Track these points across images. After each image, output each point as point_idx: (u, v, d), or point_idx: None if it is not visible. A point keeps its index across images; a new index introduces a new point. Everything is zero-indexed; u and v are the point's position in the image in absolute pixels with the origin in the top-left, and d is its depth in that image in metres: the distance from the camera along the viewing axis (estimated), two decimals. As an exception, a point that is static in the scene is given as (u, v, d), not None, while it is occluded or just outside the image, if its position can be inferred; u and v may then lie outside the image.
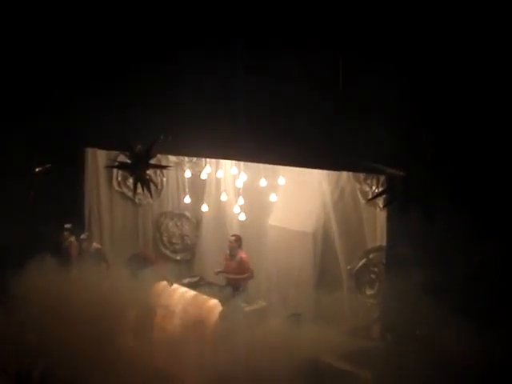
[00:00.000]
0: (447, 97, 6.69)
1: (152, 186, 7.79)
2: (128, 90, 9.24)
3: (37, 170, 9.82)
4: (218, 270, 9.95)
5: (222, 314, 8.98)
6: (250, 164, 10.29)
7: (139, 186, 7.59)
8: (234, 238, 9.86)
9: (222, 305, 9.11)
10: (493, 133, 6.42)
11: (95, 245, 10.55)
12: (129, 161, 7.65)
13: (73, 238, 10.52)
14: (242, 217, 10.47)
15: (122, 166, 8.15)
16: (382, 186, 8.12)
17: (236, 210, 10.53)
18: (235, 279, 9.71)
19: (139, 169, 7.48)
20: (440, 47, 6.75)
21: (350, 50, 7.44)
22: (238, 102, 8.51)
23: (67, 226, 10.51)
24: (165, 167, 9.39)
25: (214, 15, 8.53)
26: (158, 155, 8.96)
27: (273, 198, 10.27)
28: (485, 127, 6.46)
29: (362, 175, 9.26)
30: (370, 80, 7.19)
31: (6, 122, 9.95)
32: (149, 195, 8.21)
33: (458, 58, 6.63)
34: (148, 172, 7.92)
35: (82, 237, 10.52)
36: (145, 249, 11.44)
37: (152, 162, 7.67)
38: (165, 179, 11.60)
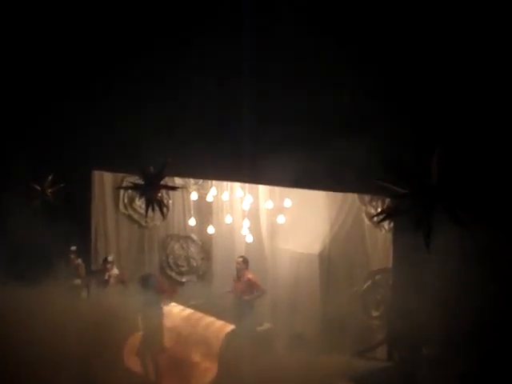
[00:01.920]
0: (455, 114, 6.77)
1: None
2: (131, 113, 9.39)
3: (49, 190, 9.88)
4: (229, 290, 10.01)
5: (232, 335, 8.96)
6: (255, 186, 10.41)
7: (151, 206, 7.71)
8: (241, 259, 9.91)
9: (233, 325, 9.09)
10: (503, 152, 6.49)
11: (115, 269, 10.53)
12: (140, 182, 7.79)
13: (79, 260, 10.59)
14: (249, 239, 10.55)
15: (134, 187, 8.25)
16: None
17: (243, 232, 10.62)
18: (248, 299, 9.67)
19: (151, 189, 7.61)
20: (450, 59, 6.81)
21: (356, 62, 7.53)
22: (242, 123, 8.64)
23: (73, 248, 10.57)
24: (175, 188, 9.49)
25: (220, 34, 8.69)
26: (166, 178, 9.08)
27: (280, 220, 10.36)
28: (493, 146, 6.52)
29: (367, 197, 9.38)
30: (373, 96, 7.28)
31: (15, 143, 10.09)
32: (159, 216, 8.31)
33: (469, 75, 6.71)
34: (157, 193, 8.03)
35: (109, 259, 10.47)
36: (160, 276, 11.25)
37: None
38: (171, 201, 11.63)
